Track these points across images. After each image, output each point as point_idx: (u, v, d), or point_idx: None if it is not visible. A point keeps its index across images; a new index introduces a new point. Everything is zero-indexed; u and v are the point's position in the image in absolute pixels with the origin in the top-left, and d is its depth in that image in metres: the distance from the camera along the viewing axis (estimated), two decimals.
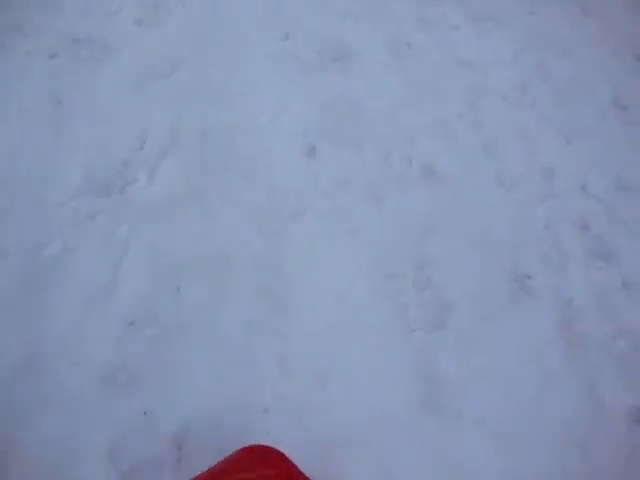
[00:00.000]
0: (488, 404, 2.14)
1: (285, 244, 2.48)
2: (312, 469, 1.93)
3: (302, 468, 1.95)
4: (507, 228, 2.61)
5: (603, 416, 2.15)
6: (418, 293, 2.36)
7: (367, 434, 2.05)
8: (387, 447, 2.02)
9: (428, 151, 2.86)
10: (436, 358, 2.22)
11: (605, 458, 2.06)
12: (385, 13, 3.47)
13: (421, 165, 2.80)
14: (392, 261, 2.46)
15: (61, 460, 1.90)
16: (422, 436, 2.04)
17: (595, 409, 2.16)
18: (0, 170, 2.49)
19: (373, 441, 2.03)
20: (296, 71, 3.09)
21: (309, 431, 2.06)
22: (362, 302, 2.33)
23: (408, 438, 2.05)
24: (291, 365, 2.17)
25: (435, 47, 3.32)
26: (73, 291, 2.23)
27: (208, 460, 1.89)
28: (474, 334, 2.28)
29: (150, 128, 2.75)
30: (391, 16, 3.45)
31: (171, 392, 2.08)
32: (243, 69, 3.04)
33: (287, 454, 1.89)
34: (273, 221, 2.52)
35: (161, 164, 2.63)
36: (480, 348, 2.26)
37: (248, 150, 2.73)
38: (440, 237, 2.55)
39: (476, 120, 3.02)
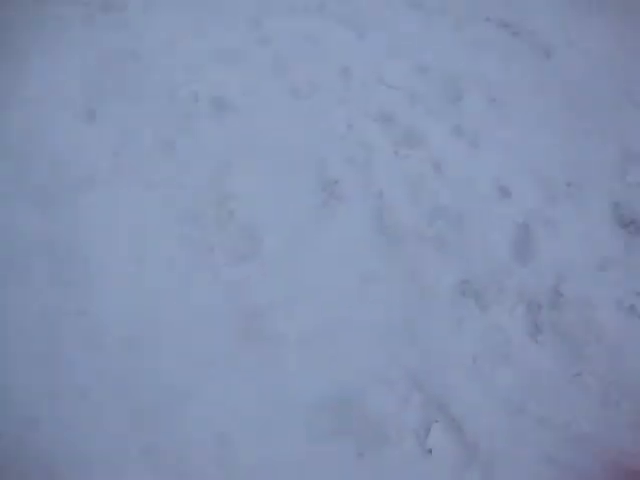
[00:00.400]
0: (311, 322, 2.04)
1: (77, 218, 2.27)
2: (145, 442, 1.77)
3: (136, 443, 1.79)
4: (309, 139, 2.48)
5: (429, 298, 2.07)
6: (222, 229, 2.20)
7: (195, 386, 1.90)
8: (218, 392, 1.88)
9: (216, 82, 2.68)
10: (250, 290, 2.09)
11: (436, 337, 1.98)
12: None
13: (209, 98, 2.61)
14: (191, 205, 2.30)
15: None
16: (248, 371, 1.94)
17: (420, 294, 2.08)
18: None
19: (203, 391, 1.89)
20: (62, 32, 2.80)
21: (137, 403, 1.90)
22: (165, 254, 2.19)
23: (236, 376, 1.92)
24: (102, 340, 2.01)
25: None
26: None
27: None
28: (288, 254, 2.17)
29: None
30: None
31: None
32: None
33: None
34: (60, 198, 2.30)
35: None
36: (296, 267, 2.14)
37: (21, 130, 2.46)
38: (240, 167, 2.41)
39: (263, 38, 2.85)
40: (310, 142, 2.46)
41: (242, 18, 2.91)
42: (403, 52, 2.82)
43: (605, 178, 2.44)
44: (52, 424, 1.88)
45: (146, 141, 2.47)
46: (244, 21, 2.90)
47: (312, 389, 1.88)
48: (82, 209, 2.31)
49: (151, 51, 2.74)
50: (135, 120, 2.53)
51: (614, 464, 1.76)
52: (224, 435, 1.82)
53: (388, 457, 1.79)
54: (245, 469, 1.78)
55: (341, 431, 1.82)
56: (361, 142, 2.45)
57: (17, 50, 2.76)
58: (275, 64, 2.75)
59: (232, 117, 2.53)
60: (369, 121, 2.53)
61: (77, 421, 1.89)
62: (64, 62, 2.73)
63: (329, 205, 2.27)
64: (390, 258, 2.16)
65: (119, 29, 2.83)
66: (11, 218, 2.26)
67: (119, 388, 1.96)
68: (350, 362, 1.94)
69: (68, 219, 2.28)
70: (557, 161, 2.47)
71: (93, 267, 2.17)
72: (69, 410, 1.91)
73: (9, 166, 2.42)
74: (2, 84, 2.61)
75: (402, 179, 2.36)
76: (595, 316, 2.08)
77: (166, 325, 2.04)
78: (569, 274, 2.16)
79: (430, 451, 1.79)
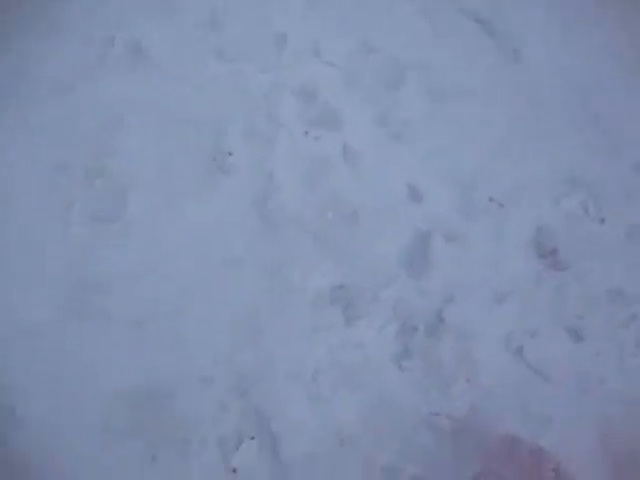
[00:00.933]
0: (150, 301, 1.79)
1: None
2: None
3: None
4: (216, 104, 2.21)
5: (290, 298, 1.80)
6: (89, 185, 1.94)
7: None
8: (18, 366, 1.63)
9: (139, 28, 2.39)
10: (97, 256, 1.81)
11: (281, 342, 1.71)
12: None
13: (126, 44, 2.33)
14: (66, 153, 2.01)
15: None
16: (56, 349, 1.66)
17: (282, 291, 1.81)
18: None
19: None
20: None
21: None
22: (26, 204, 1.91)
23: (44, 352, 1.65)
24: None
25: None
26: None
27: None
28: (152, 223, 1.93)
29: None
30: None
31: None
32: None
33: None
34: None
35: None
36: (155, 237, 1.92)
37: None
38: (132, 121, 2.13)
39: None
40: (216, 107, 2.20)
41: None
42: (353, 28, 2.51)
43: (535, 199, 2.11)
44: None
45: (42, 81, 2.21)
46: None
47: (120, 378, 1.62)
48: None
49: None
50: (36, 56, 2.27)
51: None
52: (10, 409, 1.56)
53: (183, 467, 1.51)
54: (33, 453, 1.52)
55: (138, 429, 1.55)
56: (272, 115, 2.16)
57: None
58: (211, 19, 2.47)
59: (143, 68, 2.28)
60: (288, 94, 2.24)
61: None
62: None
63: (213, 177, 2.01)
64: (261, 246, 1.88)
65: None
66: None
67: None
68: (174, 353, 1.68)
69: None
70: (485, 172, 2.16)
71: None
72: None
73: None
74: None
75: (303, 161, 2.08)
76: (474, 352, 1.79)
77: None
78: (460, 298, 1.88)
79: (234, 470, 1.51)
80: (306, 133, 2.16)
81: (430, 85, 2.35)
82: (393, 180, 2.10)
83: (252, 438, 1.58)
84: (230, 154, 2.08)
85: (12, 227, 1.92)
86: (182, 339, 1.73)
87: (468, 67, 2.45)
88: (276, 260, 1.89)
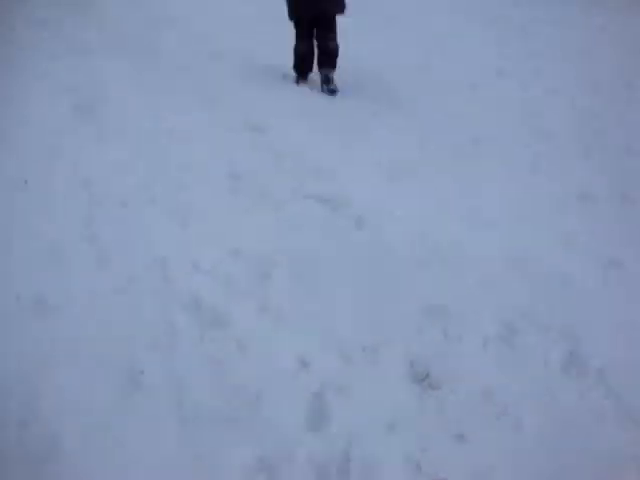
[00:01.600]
0: None
1: None
2: None
3: None
4: (124, 324, 2.59)
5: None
6: None
7: None
8: None
9: (36, 282, 2.79)
10: None
11: None
12: None
13: (31, 300, 2.72)
14: None
15: None
16: None
17: (211, 476, 2.11)
18: None
19: None
20: None
21: None
22: None
23: None
24: None
25: None
26: None
27: None
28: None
29: None
30: None
31: None
32: None
33: None
34: None
35: None
36: None
37: None
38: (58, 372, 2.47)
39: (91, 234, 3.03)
40: (124, 328, 2.58)
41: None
42: (221, 238, 3.07)
43: (401, 337, 2.61)
44: None
45: None
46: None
47: None
48: None
49: None
50: None
51: None
52: None
53: None
54: None
55: None
56: (169, 327, 2.59)
57: None
58: (99, 258, 2.94)
59: (53, 319, 2.66)
60: (178, 309, 2.69)
61: None
62: None
63: (132, 398, 2.36)
64: (186, 445, 2.22)
65: None
66: None
67: None
68: None
69: None
70: (357, 327, 2.65)
71: None
72: None
73: None
74: None
75: (206, 363, 2.49)
76: (382, 478, 2.15)
77: None
78: (359, 438, 2.26)
79: None
80: (201, 338, 2.61)
81: (293, 267, 2.87)
82: (283, 357, 2.55)
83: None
84: (141, 372, 2.47)
85: None
86: None
87: (321, 242, 3.02)
88: (199, 452, 2.23)
